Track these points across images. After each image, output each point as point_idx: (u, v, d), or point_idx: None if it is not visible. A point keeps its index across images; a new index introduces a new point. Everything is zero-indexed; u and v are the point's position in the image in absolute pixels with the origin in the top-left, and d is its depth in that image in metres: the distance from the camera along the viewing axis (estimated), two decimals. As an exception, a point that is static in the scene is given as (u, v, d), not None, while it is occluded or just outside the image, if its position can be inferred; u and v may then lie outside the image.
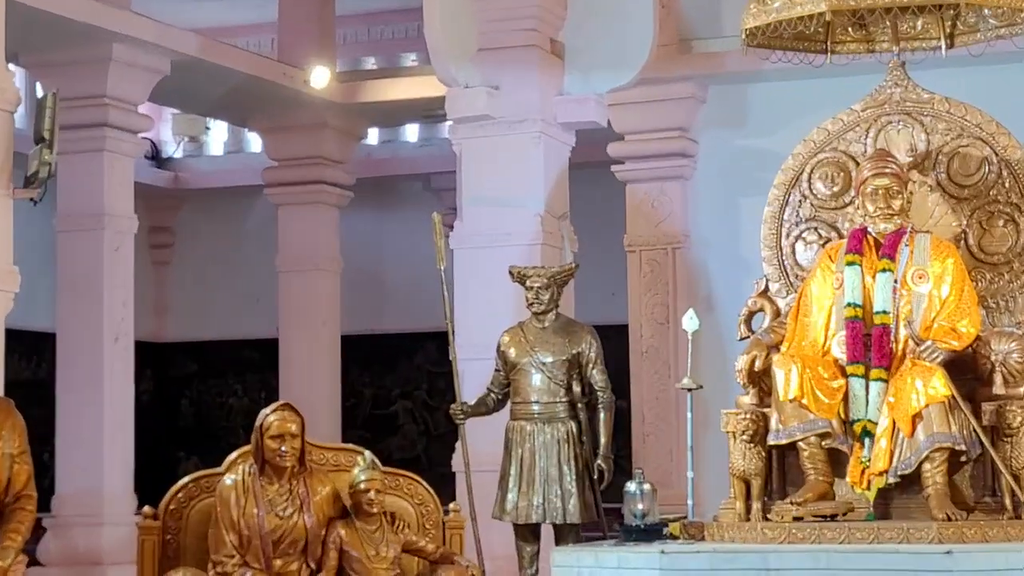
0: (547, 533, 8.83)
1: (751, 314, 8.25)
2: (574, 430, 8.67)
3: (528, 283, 8.86)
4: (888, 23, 8.32)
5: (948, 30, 8.40)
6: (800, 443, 7.45)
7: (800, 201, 8.32)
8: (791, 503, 7.33)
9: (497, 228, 11.02)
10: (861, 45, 8.62)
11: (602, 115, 11.66)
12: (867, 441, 7.37)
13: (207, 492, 7.59)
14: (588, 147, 11.99)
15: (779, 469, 7.70)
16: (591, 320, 9.40)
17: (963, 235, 8.02)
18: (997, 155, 8.07)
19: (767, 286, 8.28)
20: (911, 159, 8.09)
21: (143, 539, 7.56)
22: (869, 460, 7.33)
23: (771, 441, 7.53)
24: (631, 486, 7.61)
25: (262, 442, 7.37)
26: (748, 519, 7.46)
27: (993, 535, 7.00)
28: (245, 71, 13.25)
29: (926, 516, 7.16)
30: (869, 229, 7.79)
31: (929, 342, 7.41)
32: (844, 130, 8.32)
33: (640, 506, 7.53)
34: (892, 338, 7.51)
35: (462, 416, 8.96)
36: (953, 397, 7.21)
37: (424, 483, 7.76)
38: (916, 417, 7.19)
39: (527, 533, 8.74)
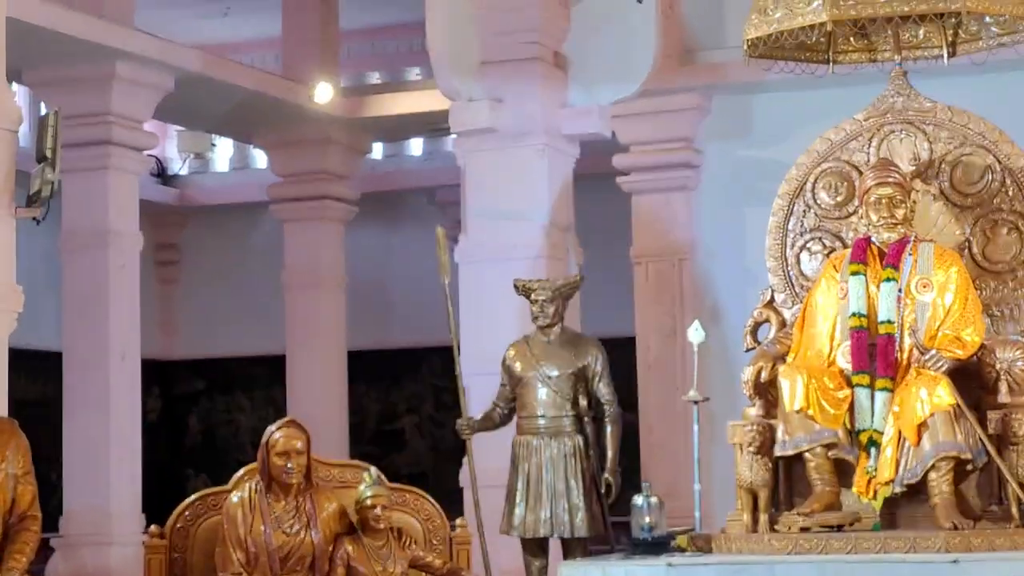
0: (555, 547, 8.81)
1: (757, 325, 8.24)
2: (581, 444, 8.66)
3: (533, 296, 8.86)
4: (890, 32, 8.31)
5: (950, 38, 8.39)
6: (806, 454, 7.44)
7: (804, 211, 8.32)
8: (798, 514, 7.33)
9: (502, 241, 11.02)
10: (863, 54, 8.61)
11: (606, 127, 11.67)
12: (873, 451, 7.37)
13: (214, 510, 7.58)
14: (593, 159, 11.99)
15: (786, 480, 7.69)
16: (598, 333, 9.39)
17: (967, 244, 8.01)
18: (1000, 163, 8.06)
19: (772, 297, 8.27)
20: (914, 168, 8.08)
21: (150, 558, 7.55)
22: (875, 470, 7.32)
23: (777, 452, 7.51)
24: (638, 499, 7.61)
25: (268, 459, 7.36)
26: (755, 530, 7.44)
27: (1000, 544, 6.99)
28: (249, 87, 13.26)
29: (932, 525, 7.15)
30: (873, 238, 7.78)
31: (933, 351, 7.40)
32: (847, 139, 8.32)
33: (647, 519, 7.53)
34: (897, 347, 7.50)
35: (468, 431, 8.95)
36: (958, 406, 7.20)
37: (430, 498, 7.75)
38: (921, 426, 7.19)
39: (535, 547, 8.73)
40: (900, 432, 7.26)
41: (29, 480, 7.19)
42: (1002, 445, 7.30)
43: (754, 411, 7.76)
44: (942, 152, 8.14)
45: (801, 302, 8.00)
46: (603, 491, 8.62)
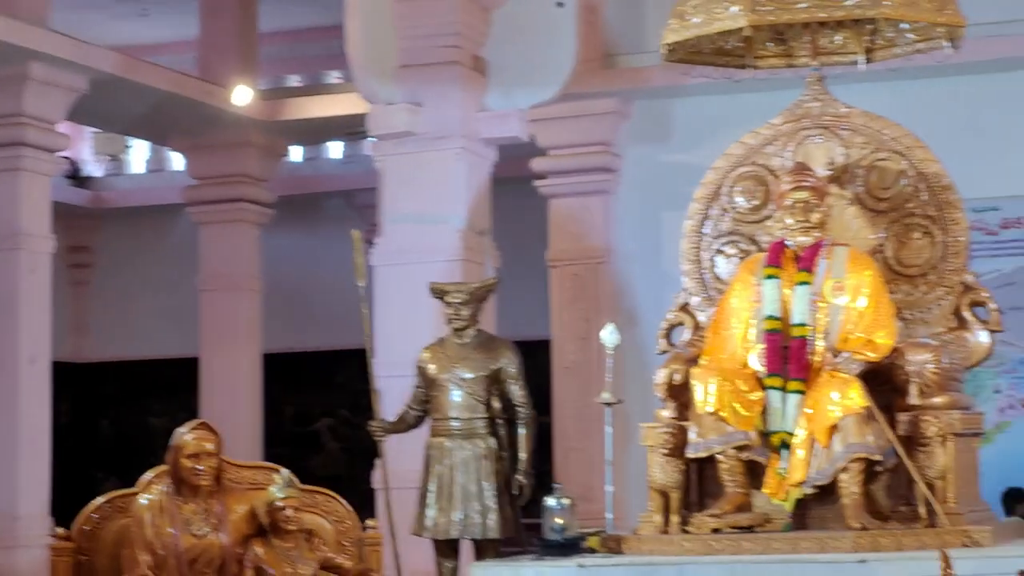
0: (467, 549, 8.78)
1: (671, 328, 8.26)
2: (494, 446, 8.63)
3: (447, 299, 8.82)
4: (808, 38, 8.32)
5: (867, 45, 8.42)
6: (718, 456, 7.43)
7: (720, 215, 8.32)
8: (709, 515, 7.34)
9: (418, 244, 11.00)
10: (781, 60, 8.63)
11: (524, 130, 11.68)
12: (784, 452, 7.37)
13: (122, 512, 7.53)
14: (511, 162, 11.99)
15: (698, 482, 7.68)
16: (514, 336, 9.36)
17: (880, 248, 8.03)
18: (914, 168, 8.10)
19: (687, 300, 8.28)
20: (830, 172, 8.10)
21: (55, 560, 7.49)
22: (786, 471, 7.33)
23: (690, 454, 7.50)
24: (550, 501, 7.59)
25: (178, 461, 7.32)
26: (666, 532, 7.44)
27: (907, 543, 7.02)
28: (166, 89, 13.15)
29: (842, 526, 7.17)
30: (788, 242, 7.79)
31: (846, 354, 7.42)
32: (764, 144, 8.33)
33: (559, 520, 7.51)
34: (810, 350, 7.51)
35: (381, 433, 8.91)
36: (869, 408, 7.22)
37: (342, 500, 7.71)
38: (833, 428, 7.20)
39: (446, 549, 8.69)
40: (812, 434, 7.28)
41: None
42: (912, 446, 7.32)
43: (667, 413, 7.75)
44: (857, 157, 8.17)
45: (716, 305, 8.00)
46: (516, 493, 8.60)
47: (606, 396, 7.93)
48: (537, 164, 12.31)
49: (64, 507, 11.68)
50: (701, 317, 8.16)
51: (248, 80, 13.83)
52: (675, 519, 7.46)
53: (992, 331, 7.94)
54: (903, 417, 7.40)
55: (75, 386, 16.80)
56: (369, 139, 12.17)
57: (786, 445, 7.37)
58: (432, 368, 8.76)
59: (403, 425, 8.95)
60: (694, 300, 8.26)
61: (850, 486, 7.21)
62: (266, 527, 7.33)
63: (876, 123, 8.23)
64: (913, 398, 7.41)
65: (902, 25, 8.19)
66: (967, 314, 7.95)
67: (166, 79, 13.28)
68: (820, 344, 7.52)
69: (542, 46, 11.50)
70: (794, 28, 8.14)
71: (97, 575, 7.48)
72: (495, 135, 11.52)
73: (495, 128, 11.50)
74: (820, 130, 8.23)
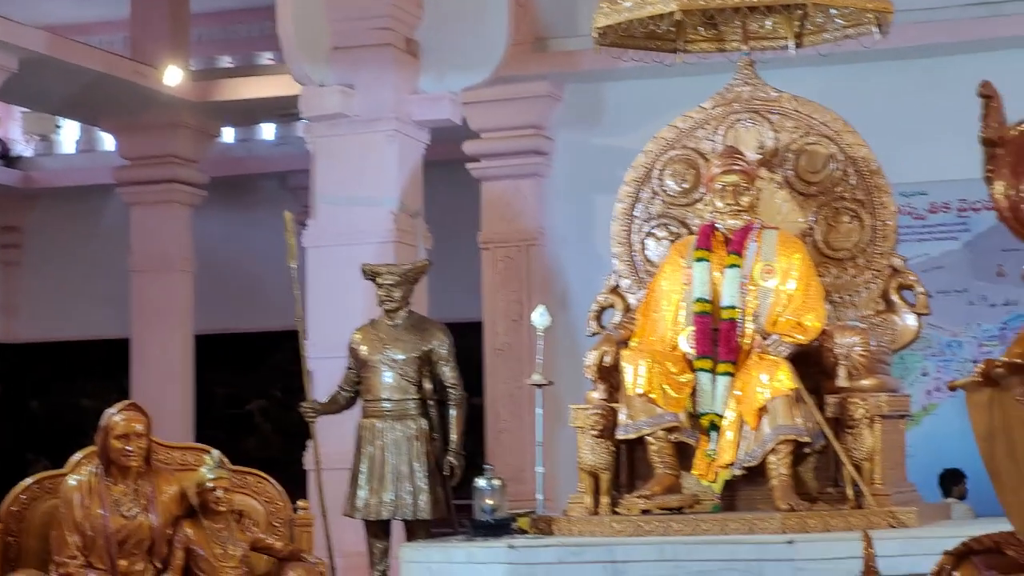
0: (398, 529, 8.80)
1: (601, 310, 8.29)
2: (425, 427, 8.66)
3: (379, 280, 8.84)
4: (738, 22, 8.37)
5: (797, 30, 8.46)
6: (648, 437, 7.46)
7: (651, 198, 8.36)
8: (638, 497, 7.36)
9: (350, 226, 10.99)
10: (712, 44, 8.68)
11: (457, 113, 11.68)
12: (714, 434, 7.41)
13: (50, 493, 7.46)
14: (443, 145, 11.99)
15: (628, 463, 7.71)
16: (445, 317, 9.39)
17: (810, 231, 8.09)
18: (843, 153, 8.17)
19: (618, 282, 8.31)
20: (760, 156, 8.15)
21: (-17, 541, 7.42)
22: (715, 453, 7.37)
23: (619, 435, 7.53)
24: (480, 481, 7.61)
25: (107, 442, 7.27)
26: (596, 513, 7.47)
27: (834, 524, 7.07)
28: (97, 69, 13.05)
29: (771, 507, 7.21)
30: (718, 225, 7.84)
31: (775, 336, 7.47)
32: (694, 127, 8.38)
33: (489, 501, 7.54)
34: (739, 333, 7.55)
35: (312, 414, 8.92)
36: (798, 390, 7.28)
37: (272, 481, 7.69)
38: (762, 410, 7.24)
39: (377, 530, 8.72)
40: (741, 416, 7.33)
41: None
42: (839, 428, 7.39)
43: (597, 395, 7.78)
44: (787, 141, 8.22)
45: (646, 288, 8.03)
46: (447, 474, 8.63)
47: (537, 378, 7.95)
48: (469, 147, 12.30)
49: (-7, 488, 11.63)
50: (632, 299, 8.19)
51: (180, 61, 13.74)
52: (605, 500, 7.50)
53: (920, 314, 8.02)
54: (831, 399, 7.46)
55: (5, 367, 16.69)
56: (302, 121, 12.13)
57: (715, 427, 7.41)
58: (364, 349, 8.77)
59: (335, 406, 8.97)
60: (624, 282, 8.29)
61: (779, 468, 7.26)
62: (196, 508, 7.30)
63: (806, 107, 8.29)
64: (841, 380, 7.47)
65: (832, 11, 8.26)
66: (895, 297, 8.03)
67: (97, 59, 13.19)
68: (749, 327, 7.56)
69: (474, 29, 11.50)
70: (725, 13, 8.17)
71: (25, 556, 7.40)
72: (428, 117, 11.52)
73: (428, 111, 11.51)
74: (750, 114, 8.28)
